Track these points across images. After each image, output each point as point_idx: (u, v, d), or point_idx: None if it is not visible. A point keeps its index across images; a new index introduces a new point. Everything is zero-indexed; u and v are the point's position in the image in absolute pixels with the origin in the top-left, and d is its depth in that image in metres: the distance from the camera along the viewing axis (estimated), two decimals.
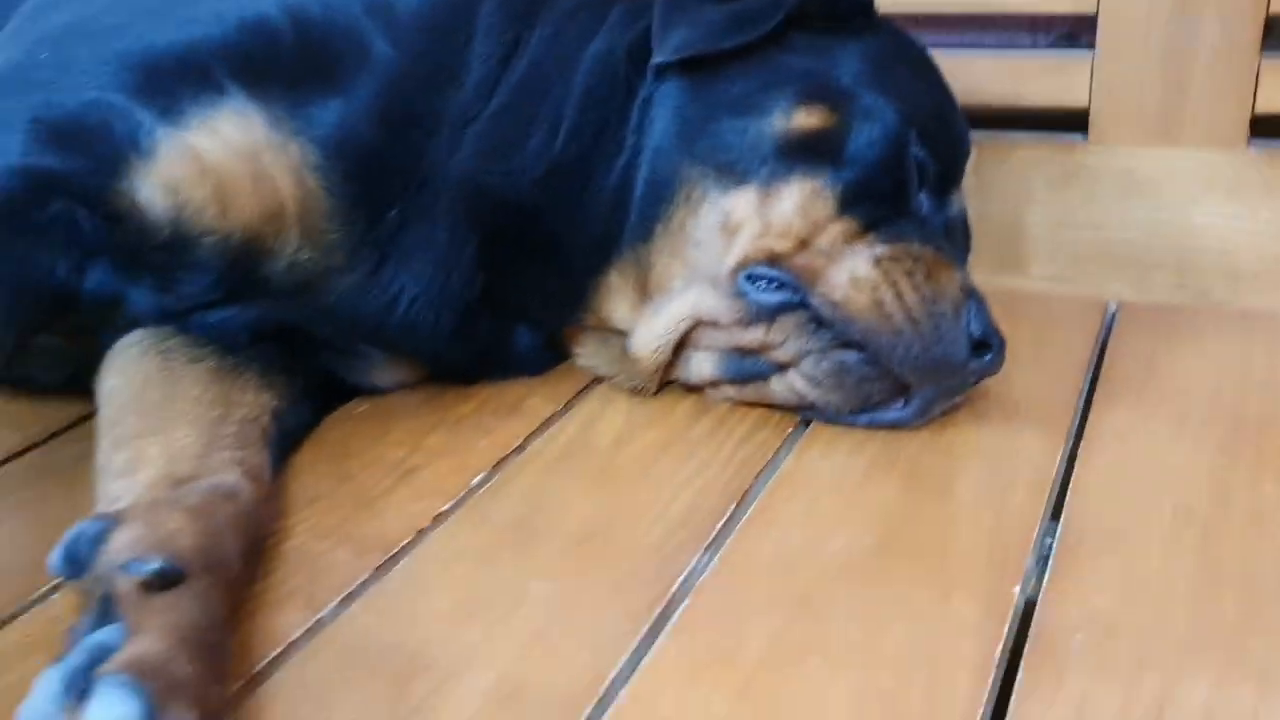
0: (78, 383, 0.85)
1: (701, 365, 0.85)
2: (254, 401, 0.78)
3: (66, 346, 0.84)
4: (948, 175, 0.86)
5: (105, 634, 0.52)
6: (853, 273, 0.78)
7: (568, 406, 0.87)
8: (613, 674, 0.59)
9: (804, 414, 0.83)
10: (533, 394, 0.89)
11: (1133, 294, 1.02)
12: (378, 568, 0.68)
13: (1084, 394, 0.85)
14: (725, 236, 0.81)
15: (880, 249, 0.78)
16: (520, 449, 0.82)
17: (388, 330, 0.83)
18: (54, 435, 0.85)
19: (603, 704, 0.57)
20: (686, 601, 0.64)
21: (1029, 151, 1.03)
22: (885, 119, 0.82)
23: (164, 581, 0.56)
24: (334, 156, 0.79)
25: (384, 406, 0.88)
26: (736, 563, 0.67)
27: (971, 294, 0.79)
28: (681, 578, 0.66)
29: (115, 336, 0.81)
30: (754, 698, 0.57)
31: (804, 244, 0.80)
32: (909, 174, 0.82)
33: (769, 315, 0.80)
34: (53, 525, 0.64)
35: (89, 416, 0.85)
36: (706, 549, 0.69)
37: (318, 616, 0.64)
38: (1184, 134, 0.98)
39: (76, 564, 0.60)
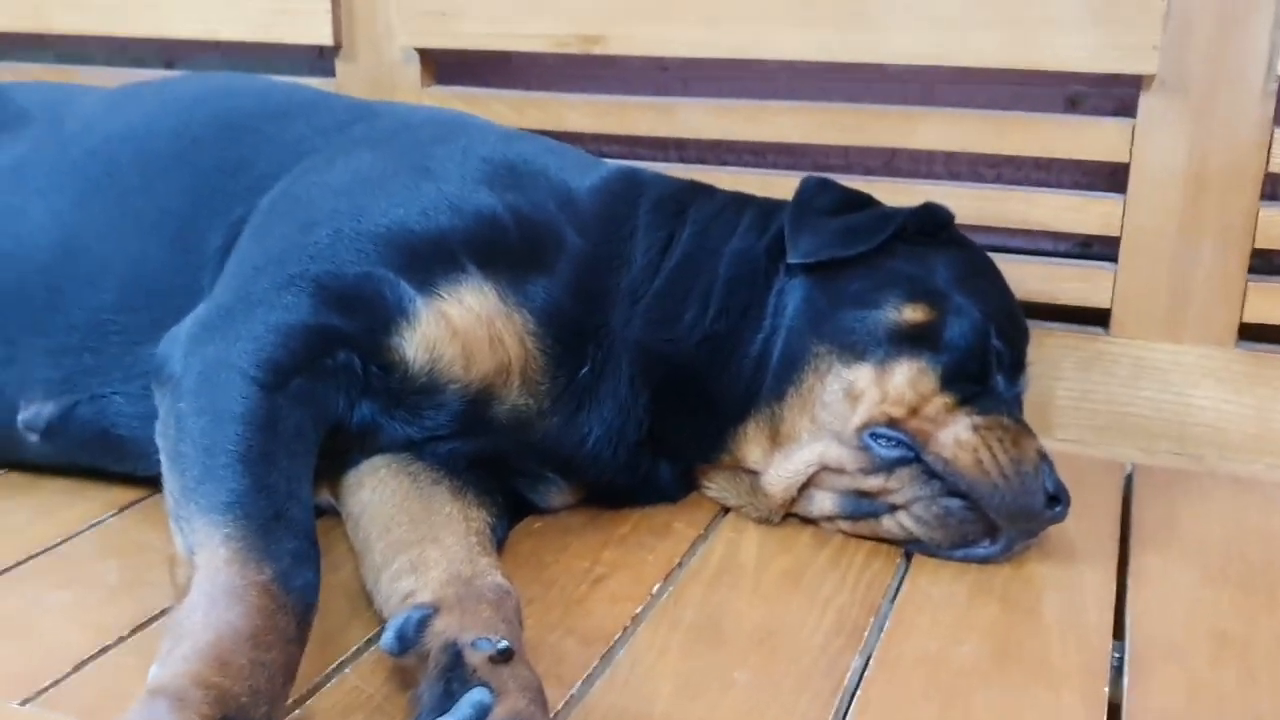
0: None
1: (823, 502, 1.05)
2: (479, 516, 0.96)
3: None
4: (1017, 360, 1.09)
5: (479, 694, 0.69)
6: (957, 437, 0.99)
7: (708, 531, 1.06)
8: None
9: (908, 548, 1.03)
10: (676, 519, 1.08)
11: (1141, 457, 1.25)
12: (603, 655, 0.86)
13: (1119, 538, 1.07)
14: (849, 401, 1.02)
15: (977, 419, 1.00)
16: (681, 564, 1.00)
17: (576, 461, 1.02)
18: None
19: None
20: (859, 691, 0.83)
21: (1060, 339, 1.27)
22: (972, 316, 1.04)
23: (505, 657, 0.73)
24: (545, 324, 0.99)
25: (558, 524, 1.06)
26: (889, 662, 0.86)
27: (1045, 457, 1.01)
28: (849, 673, 0.85)
29: (361, 459, 0.98)
30: None
31: (914, 412, 1.01)
32: (990, 359, 1.05)
33: (888, 466, 1.00)
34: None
35: None
36: (860, 652, 0.88)
37: (570, 693, 0.82)
38: (1186, 333, 1.23)
39: (405, 643, 0.77)
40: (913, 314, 1.04)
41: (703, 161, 1.46)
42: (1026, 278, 1.25)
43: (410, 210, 0.98)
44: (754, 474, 1.06)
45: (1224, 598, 0.97)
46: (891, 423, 1.01)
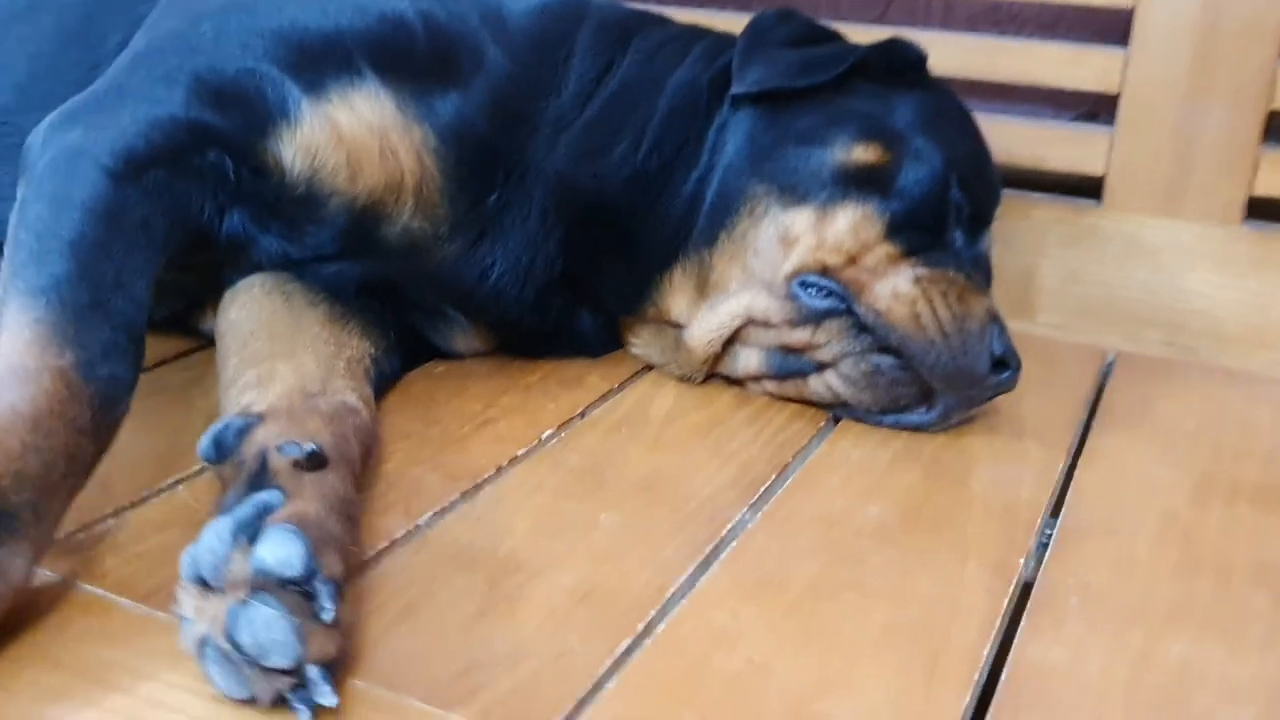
0: (179, 323, 0.96)
1: (748, 360, 0.95)
2: (359, 345, 0.88)
3: (180, 281, 0.93)
4: (979, 217, 0.97)
5: (267, 495, 0.61)
6: (895, 288, 0.89)
7: (623, 385, 0.97)
8: (672, 589, 0.68)
9: (835, 411, 0.94)
10: (591, 372, 0.99)
11: (1128, 346, 1.13)
12: (465, 491, 0.78)
13: (1083, 422, 0.96)
14: (783, 247, 0.92)
15: (920, 270, 0.89)
16: (583, 414, 0.91)
17: (476, 297, 0.93)
18: (163, 363, 0.95)
19: (664, 611, 0.66)
20: (735, 543, 0.74)
21: (1047, 211, 1.15)
22: (931, 162, 0.93)
23: (312, 464, 0.65)
24: (449, 142, 0.90)
25: (460, 369, 0.98)
26: (781, 518, 0.77)
27: (996, 318, 0.90)
28: (731, 524, 0.76)
29: (237, 277, 0.90)
30: (797, 617, 0.67)
31: (853, 260, 0.91)
32: (948, 211, 0.94)
33: (817, 318, 0.90)
34: (169, 431, 0.75)
35: (190, 351, 0.96)
36: (752, 506, 0.79)
37: (416, 523, 0.74)
38: (1186, 208, 1.10)
39: (223, 450, 0.70)
40: (863, 154, 0.93)
41: (687, 3, 1.34)
42: (1012, 140, 1.13)
43: (309, 7, 0.89)
44: (679, 328, 0.97)
45: (1183, 482, 0.86)
46: (825, 271, 0.90)
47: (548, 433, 0.88)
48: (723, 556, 0.72)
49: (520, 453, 0.84)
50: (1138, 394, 1.02)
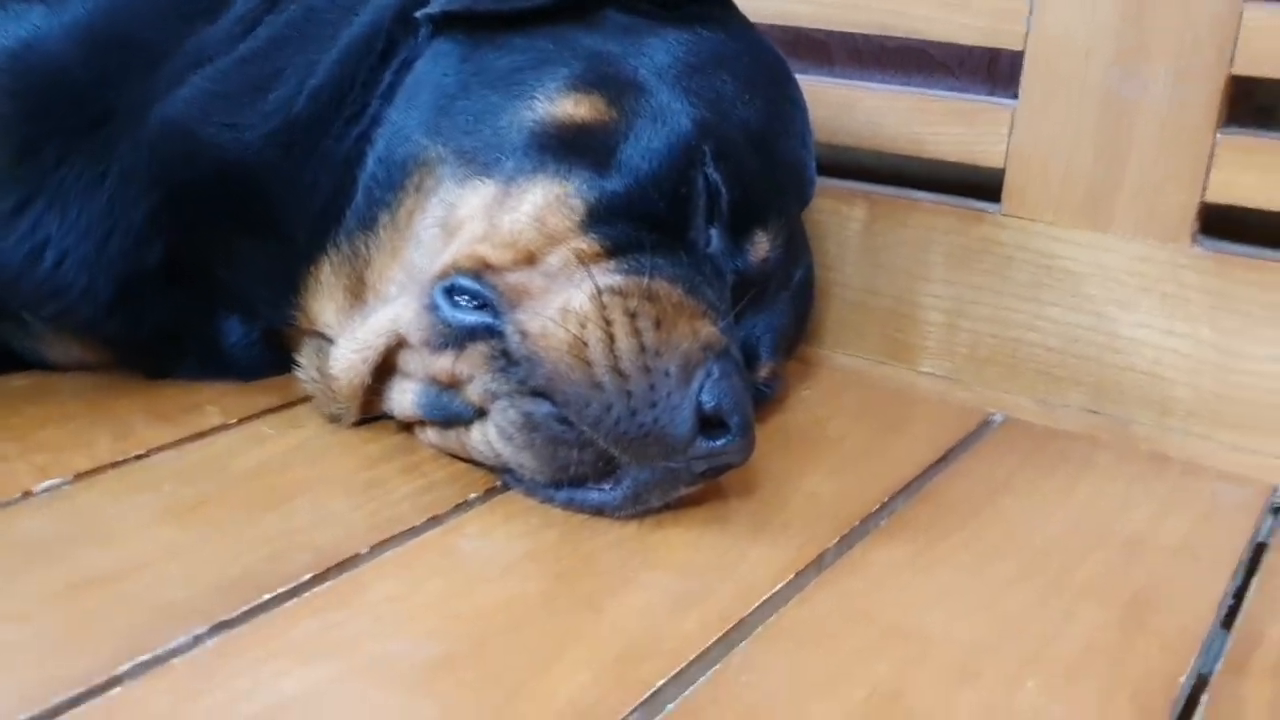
0: None
1: (404, 396, 0.67)
2: None
3: None
4: (755, 211, 0.67)
5: None
6: (565, 302, 0.59)
7: (243, 422, 0.70)
8: None
9: (504, 479, 0.64)
10: (218, 402, 0.72)
11: (1034, 411, 0.80)
12: None
13: (879, 516, 0.64)
14: (444, 236, 0.64)
15: (610, 279, 0.60)
16: (141, 458, 0.65)
17: (26, 285, 0.68)
18: None
19: None
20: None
21: (929, 215, 0.83)
22: (676, 124, 0.65)
23: None
24: (6, 72, 0.66)
25: (43, 385, 0.73)
26: (255, 638, 0.49)
27: (720, 356, 0.59)
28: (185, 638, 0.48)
29: None
30: None
31: (529, 259, 0.62)
32: (693, 197, 0.64)
33: (459, 340, 0.61)
34: None
35: None
36: (223, 624, 0.50)
37: None
38: (1117, 217, 0.76)
39: None
40: (573, 109, 0.65)
41: None
42: (878, 112, 0.82)
43: None
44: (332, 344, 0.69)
45: (961, 626, 0.53)
46: (483, 271, 0.62)
47: (52, 482, 0.61)
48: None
49: None
50: (992, 480, 0.71)
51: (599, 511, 0.61)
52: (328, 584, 0.54)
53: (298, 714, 0.45)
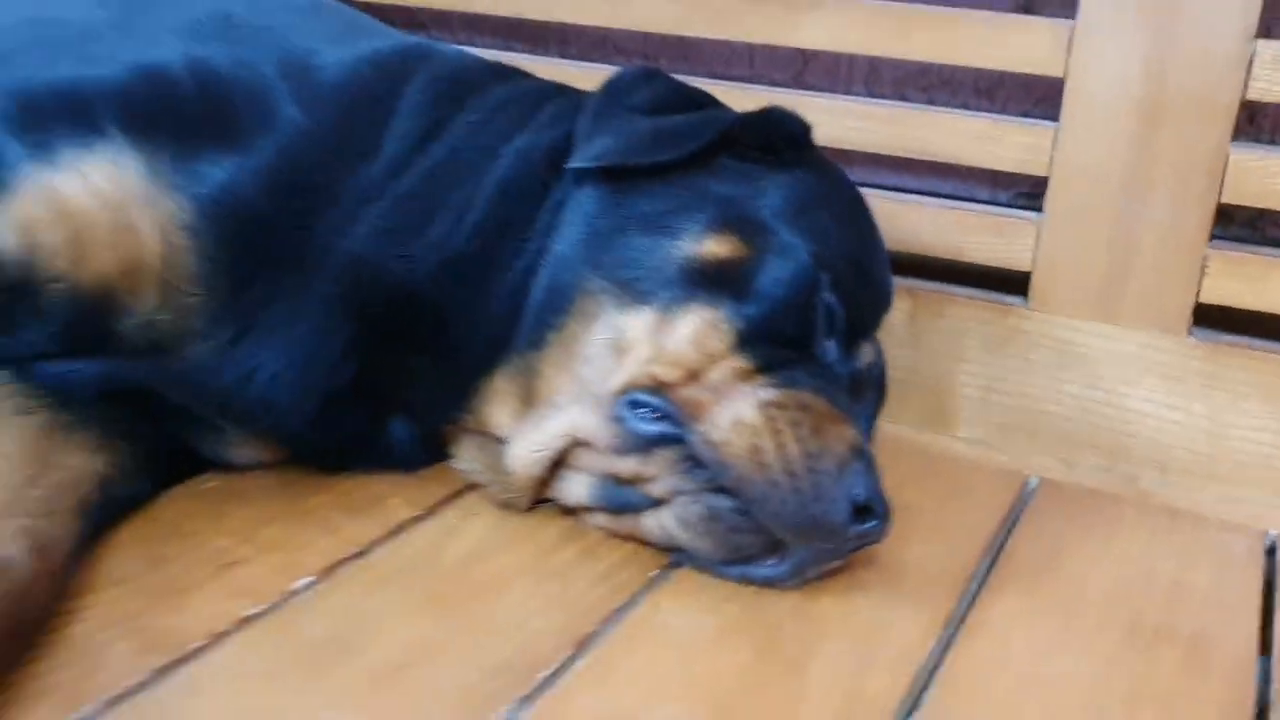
0: None
1: (577, 488, 0.79)
2: (79, 465, 0.72)
3: None
4: (859, 325, 0.81)
5: None
6: (736, 415, 0.72)
7: (430, 512, 0.81)
8: None
9: (675, 557, 0.77)
10: (397, 493, 0.83)
11: (1059, 471, 0.97)
12: (157, 670, 0.62)
13: (980, 575, 0.79)
14: (615, 356, 0.76)
15: (769, 393, 0.73)
16: (362, 554, 0.75)
17: (240, 405, 0.77)
18: None
19: None
20: None
21: (965, 309, 0.98)
22: (798, 258, 0.78)
23: None
24: (210, 216, 0.75)
25: (233, 486, 0.82)
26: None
27: (861, 455, 0.73)
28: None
29: None
30: None
31: (694, 376, 0.74)
32: (815, 318, 0.78)
33: (645, 446, 0.74)
34: None
35: None
36: (522, 701, 0.62)
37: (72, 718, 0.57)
38: (1125, 312, 0.93)
39: None
40: (715, 247, 0.77)
41: (586, 59, 1.19)
42: (928, 226, 0.97)
43: (51, 53, 0.75)
44: (503, 443, 0.81)
45: (1081, 674, 0.69)
46: (658, 388, 0.74)
47: (303, 581, 0.71)
48: None
49: (253, 612, 0.68)
50: (1051, 537, 0.85)
51: (767, 583, 0.74)
52: (580, 661, 0.66)
53: None
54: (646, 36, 1.18)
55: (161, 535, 0.75)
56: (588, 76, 0.89)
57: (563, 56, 1.20)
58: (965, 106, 1.07)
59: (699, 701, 0.63)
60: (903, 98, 1.11)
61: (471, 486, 0.85)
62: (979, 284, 0.99)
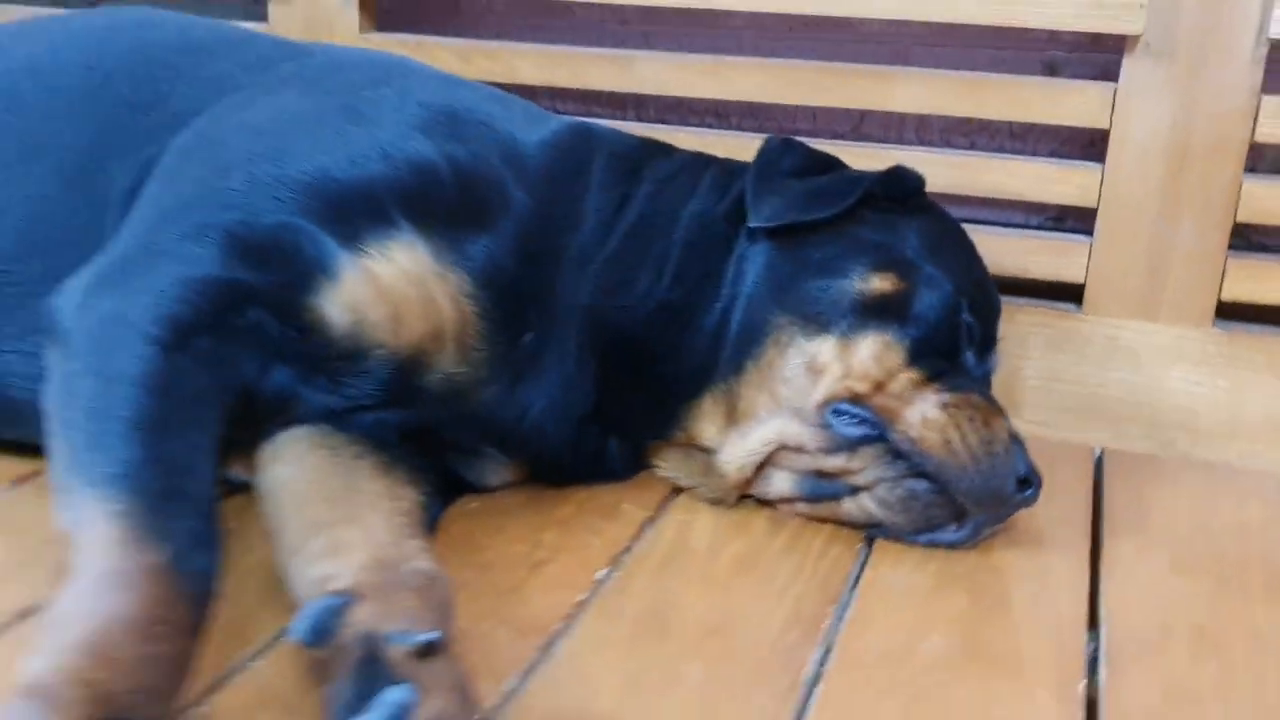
0: None
1: (781, 483, 0.98)
2: (407, 495, 0.88)
3: None
4: (987, 336, 1.03)
5: (399, 694, 0.61)
6: (924, 415, 0.93)
7: (658, 513, 0.99)
8: None
9: (869, 532, 0.97)
10: (624, 499, 1.01)
11: (1110, 441, 1.20)
12: (540, 647, 0.79)
13: (1090, 527, 1.01)
14: (811, 375, 0.95)
15: (945, 396, 0.94)
16: (628, 550, 0.93)
17: (517, 436, 0.95)
18: None
19: None
20: (818, 691, 0.76)
21: (1030, 316, 1.21)
22: (943, 288, 0.98)
23: (428, 650, 0.66)
24: (484, 286, 0.91)
25: (494, 504, 0.98)
26: (850, 660, 0.80)
27: (1016, 438, 0.94)
28: (806, 669, 0.78)
29: (274, 430, 0.89)
30: None
31: (880, 387, 0.94)
32: (960, 334, 0.98)
33: (851, 445, 0.94)
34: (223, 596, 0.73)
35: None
36: (820, 645, 0.81)
37: (503, 688, 0.74)
38: (1162, 312, 1.17)
39: (320, 634, 0.69)
40: (880, 284, 0.97)
41: (663, 121, 1.38)
42: (997, 250, 1.18)
43: (336, 156, 0.90)
44: (709, 452, 0.99)
45: (1199, 589, 0.91)
46: (855, 399, 0.94)
47: (601, 573, 0.89)
48: (811, 707, 0.74)
49: (580, 598, 0.85)
50: (1131, 493, 1.08)
51: (950, 546, 0.95)
52: (847, 612, 0.86)
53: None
54: (720, 100, 1.37)
55: (465, 548, 0.91)
56: (671, 136, 1.10)
57: (639, 120, 1.39)
58: (1001, 150, 1.30)
59: (949, 634, 0.83)
60: (948, 144, 1.33)
61: (678, 490, 1.03)
62: (1040, 295, 1.22)
